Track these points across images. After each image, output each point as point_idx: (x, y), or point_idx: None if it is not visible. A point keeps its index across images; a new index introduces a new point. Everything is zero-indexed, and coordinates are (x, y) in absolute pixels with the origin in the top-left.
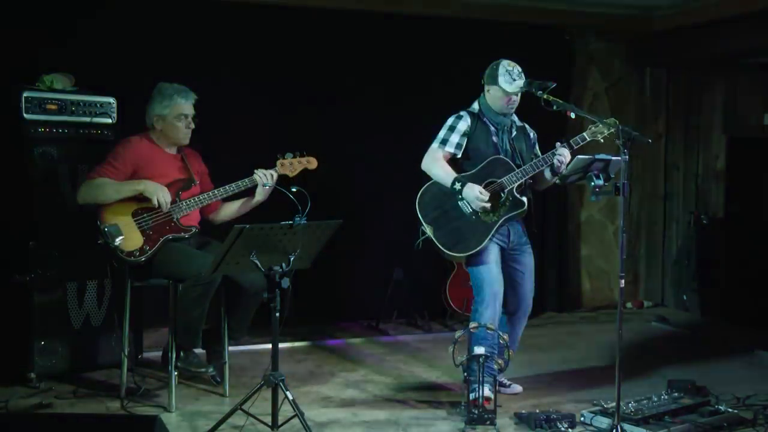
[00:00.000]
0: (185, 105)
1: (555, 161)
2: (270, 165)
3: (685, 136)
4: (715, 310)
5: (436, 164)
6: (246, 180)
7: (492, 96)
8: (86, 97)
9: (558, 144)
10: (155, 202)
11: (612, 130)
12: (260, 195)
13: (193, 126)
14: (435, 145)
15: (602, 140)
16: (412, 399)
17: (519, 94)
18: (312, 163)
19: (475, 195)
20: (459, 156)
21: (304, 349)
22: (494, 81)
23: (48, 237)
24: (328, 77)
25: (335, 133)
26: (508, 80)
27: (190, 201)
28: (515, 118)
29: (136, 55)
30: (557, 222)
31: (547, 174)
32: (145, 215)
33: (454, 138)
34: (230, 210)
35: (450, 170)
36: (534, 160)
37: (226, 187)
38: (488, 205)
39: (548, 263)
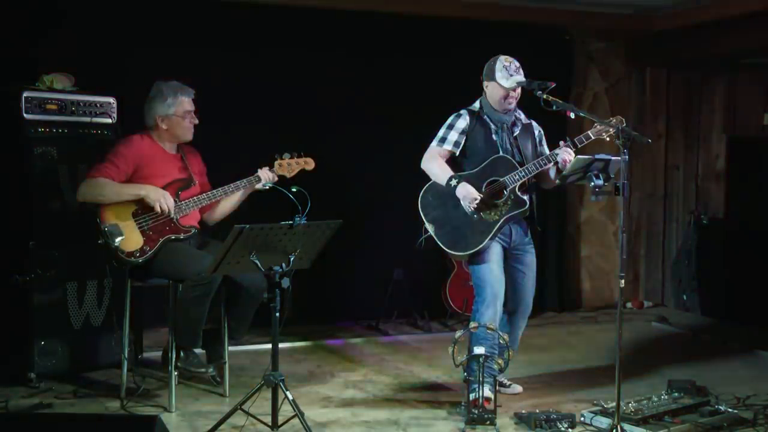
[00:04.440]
0: (188, 101)
1: (558, 160)
2: (267, 165)
3: (685, 136)
4: (715, 310)
5: (434, 162)
6: (245, 180)
7: (490, 92)
8: (86, 97)
9: (561, 143)
10: (158, 210)
11: (615, 130)
12: (261, 185)
13: (196, 121)
14: (434, 143)
15: (608, 138)
16: (412, 399)
17: (518, 90)
18: (309, 164)
19: (467, 193)
20: (458, 154)
21: (304, 349)
22: (492, 77)
23: (48, 237)
24: (328, 77)
25: (335, 133)
26: (505, 75)
27: (189, 201)
28: (521, 115)
29: (136, 55)
30: (557, 222)
31: (552, 173)
32: (145, 216)
33: (453, 136)
34: (225, 209)
35: (447, 168)
36: (537, 159)
37: (225, 187)
38: (475, 206)
39: (548, 263)
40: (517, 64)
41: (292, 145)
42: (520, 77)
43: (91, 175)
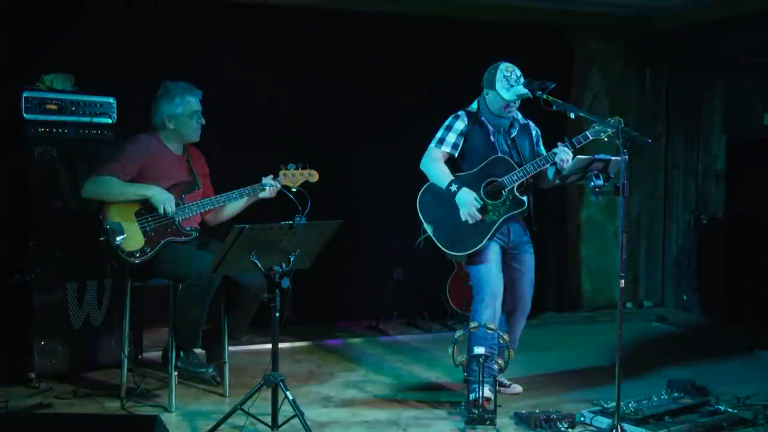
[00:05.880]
0: (195, 101)
1: (557, 160)
2: (270, 170)
3: (685, 136)
4: (715, 310)
5: (434, 165)
6: (249, 188)
7: (490, 100)
8: (86, 97)
9: (560, 143)
10: (161, 212)
11: (613, 130)
12: (265, 194)
13: (203, 122)
14: (432, 145)
15: (606, 139)
16: (412, 399)
17: (518, 100)
18: (314, 176)
19: (468, 201)
20: (456, 155)
21: (304, 349)
22: (492, 86)
23: (48, 237)
24: (328, 77)
25: (335, 133)
26: (505, 86)
27: (192, 205)
28: (519, 116)
29: (136, 55)
30: (557, 222)
31: (551, 173)
32: (148, 216)
33: (451, 138)
34: (228, 213)
35: (447, 171)
36: (535, 159)
37: (229, 193)
38: (478, 215)
39: (548, 263)
40: (518, 73)
41: (291, 145)
42: (521, 88)
43: (98, 172)
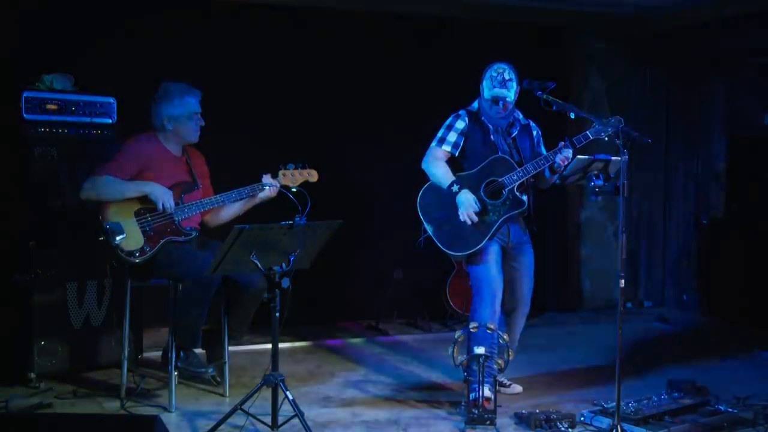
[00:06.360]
0: (194, 102)
1: (557, 160)
2: (270, 170)
3: (685, 136)
4: (715, 310)
5: (435, 164)
6: (248, 188)
7: (482, 98)
8: (86, 97)
9: (561, 143)
10: (160, 207)
11: (614, 129)
12: (264, 194)
13: (202, 123)
14: (433, 144)
15: (606, 138)
16: (412, 399)
17: (507, 104)
18: (313, 175)
19: (468, 202)
20: (457, 155)
21: (304, 349)
22: (481, 83)
23: (48, 237)
24: (328, 77)
25: (335, 133)
26: (488, 86)
27: (192, 205)
28: (519, 115)
29: (136, 55)
30: (557, 222)
31: (547, 173)
32: (147, 215)
33: (452, 137)
34: (227, 214)
35: (448, 171)
36: (536, 159)
37: (229, 193)
38: (476, 218)
39: (548, 263)
40: (507, 77)
41: (291, 145)
42: (504, 91)
43: (96, 173)
